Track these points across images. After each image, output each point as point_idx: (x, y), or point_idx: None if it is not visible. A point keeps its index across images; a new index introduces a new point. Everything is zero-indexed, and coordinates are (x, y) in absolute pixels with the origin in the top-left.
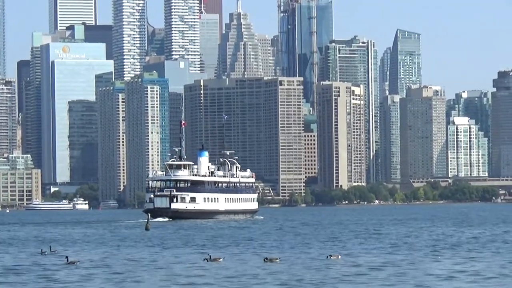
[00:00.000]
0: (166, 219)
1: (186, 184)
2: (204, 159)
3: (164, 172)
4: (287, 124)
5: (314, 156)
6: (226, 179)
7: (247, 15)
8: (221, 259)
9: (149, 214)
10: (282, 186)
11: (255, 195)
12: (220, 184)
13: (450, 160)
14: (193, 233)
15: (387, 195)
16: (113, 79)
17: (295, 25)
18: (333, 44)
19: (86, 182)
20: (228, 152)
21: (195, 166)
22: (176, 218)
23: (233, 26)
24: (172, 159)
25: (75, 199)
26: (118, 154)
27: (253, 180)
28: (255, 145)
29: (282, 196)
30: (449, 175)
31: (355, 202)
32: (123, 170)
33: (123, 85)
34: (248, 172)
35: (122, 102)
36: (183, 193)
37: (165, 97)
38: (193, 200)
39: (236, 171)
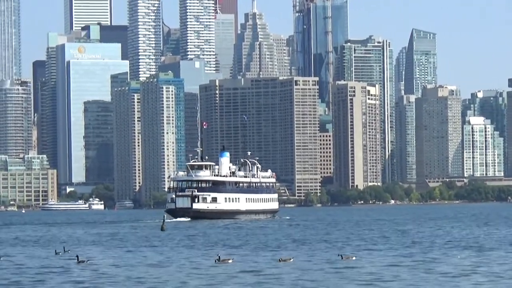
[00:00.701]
0: (188, 219)
1: (207, 184)
2: (225, 160)
3: (186, 173)
4: (302, 124)
5: (330, 156)
6: (247, 180)
7: (262, 15)
8: (230, 260)
9: (165, 215)
10: (297, 186)
11: (276, 195)
12: (241, 184)
13: (466, 160)
14: (211, 233)
15: (402, 195)
16: (129, 79)
17: (311, 25)
18: (349, 44)
19: (101, 182)
20: (249, 153)
21: (216, 167)
22: (198, 218)
23: (248, 26)
24: (194, 160)
25: (90, 199)
26: (134, 154)
27: (273, 180)
28: (270, 145)
29: (297, 196)
30: (465, 175)
31: (370, 202)
32: (139, 170)
33: (139, 85)
34: (269, 173)
35: (137, 102)
36: (205, 193)
37: (180, 97)
38: (214, 200)
39: (257, 171)
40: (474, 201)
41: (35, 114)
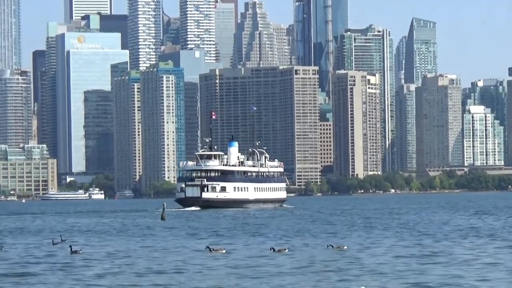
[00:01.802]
0: (198, 208)
1: (216, 174)
2: (234, 149)
3: (195, 162)
4: (302, 113)
5: (330, 145)
6: (256, 169)
7: (262, 4)
8: (223, 250)
9: (165, 204)
10: (298, 175)
11: (284, 185)
12: (249, 174)
13: (466, 149)
14: (212, 222)
15: (403, 184)
16: (129, 69)
17: (311, 14)
18: (349, 33)
19: (101, 172)
20: (257, 143)
21: (225, 156)
22: (207, 207)
23: (248, 15)
24: (203, 150)
25: (90, 189)
26: (134, 144)
27: (281, 169)
28: (270, 134)
29: (298, 185)
30: (465, 164)
31: (370, 191)
32: (139, 160)
33: (139, 75)
34: (276, 162)
35: (137, 91)
36: (214, 183)
37: (180, 86)
38: (223, 189)
39: (265, 161)
40: (474, 190)
41: (35, 104)
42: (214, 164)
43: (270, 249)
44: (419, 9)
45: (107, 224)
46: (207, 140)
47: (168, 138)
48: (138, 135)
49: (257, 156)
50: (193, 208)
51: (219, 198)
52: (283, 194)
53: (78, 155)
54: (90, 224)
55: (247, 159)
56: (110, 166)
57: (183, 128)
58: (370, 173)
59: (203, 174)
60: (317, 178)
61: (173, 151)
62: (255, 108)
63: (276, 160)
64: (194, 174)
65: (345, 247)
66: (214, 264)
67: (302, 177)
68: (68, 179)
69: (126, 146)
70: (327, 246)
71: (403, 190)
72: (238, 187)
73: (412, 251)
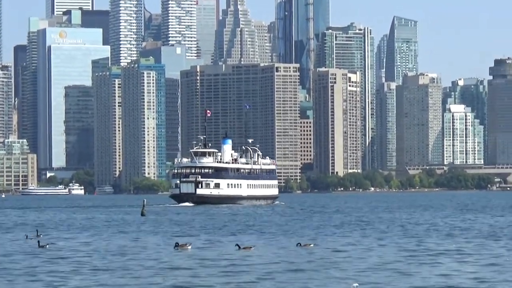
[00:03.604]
0: (192, 204)
1: (210, 171)
2: (227, 147)
3: (190, 159)
4: (283, 110)
5: (310, 143)
6: (249, 166)
7: (244, 1)
8: (189, 246)
9: (145, 200)
10: (277, 173)
11: (276, 182)
12: (242, 171)
13: (446, 148)
14: (191, 219)
15: (382, 182)
16: (110, 65)
17: (292, 11)
18: (330, 30)
19: (81, 167)
20: (250, 140)
21: (219, 154)
22: (201, 203)
23: (230, 12)
24: (197, 147)
25: (70, 184)
26: (114, 139)
27: (273, 167)
28: (251, 131)
29: (277, 182)
30: (445, 163)
31: (350, 189)
32: (119, 155)
33: (120, 71)
34: (268, 160)
35: (118, 87)
36: (208, 179)
37: (161, 82)
38: (217, 186)
39: (258, 158)
40: (454, 188)
41: (16, 99)
42: (208, 161)
43: (236, 245)
44: (400, 8)
45: (87, 219)
46: (201, 138)
47: (148, 134)
48: (119, 131)
49: (250, 154)
50: (187, 204)
51: (213, 194)
52: (275, 191)
53: (58, 150)
54: (70, 219)
55: (241, 157)
56: (90, 162)
57: (164, 124)
58: (350, 171)
59: (198, 170)
60: (297, 176)
61: (154, 147)
62: (248, 106)
63: (268, 157)
64: (188, 171)
65: (312, 245)
66: (167, 260)
67: (282, 174)
68: (48, 174)
69: (107, 141)
70: (297, 244)
71: (382, 188)
72: (231, 184)
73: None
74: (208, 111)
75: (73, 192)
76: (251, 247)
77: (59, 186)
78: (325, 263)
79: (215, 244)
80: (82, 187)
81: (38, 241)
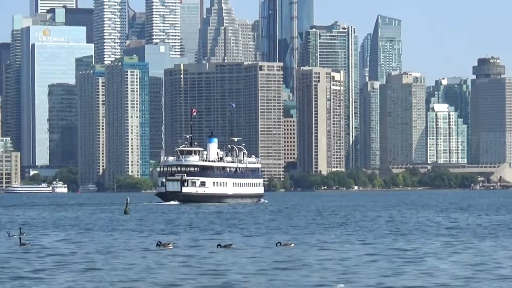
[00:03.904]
0: (178, 202)
1: (196, 169)
2: (213, 145)
3: (176, 158)
4: (266, 109)
5: (294, 142)
6: (234, 165)
7: (228, 0)
8: (171, 245)
9: (128, 198)
10: (261, 171)
11: (261, 180)
12: (228, 169)
13: (429, 147)
14: (174, 218)
15: (366, 181)
16: (93, 63)
17: (276, 10)
18: (314, 29)
19: (65, 165)
20: (236, 139)
21: (205, 152)
22: (187, 202)
23: (214, 10)
24: (183, 145)
25: (54, 182)
26: (98, 137)
27: (259, 166)
28: (234, 130)
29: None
30: (428, 162)
31: (334, 187)
32: (103, 154)
33: (103, 69)
34: (254, 158)
35: (102, 86)
36: (194, 178)
37: (145, 81)
38: (203, 184)
39: (244, 157)
40: (437, 187)
41: None
42: (194, 159)
43: (218, 245)
44: (384, 7)
45: (70, 218)
46: (187, 136)
47: (132, 133)
48: (102, 129)
49: (236, 152)
50: (173, 202)
51: (199, 192)
52: (260, 190)
53: (42, 148)
54: (53, 217)
55: (226, 155)
56: (73, 160)
57: (147, 123)
58: (333, 169)
59: (183, 169)
60: (281, 174)
61: (137, 145)
62: (233, 105)
63: (253, 156)
64: (174, 169)
65: (292, 245)
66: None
67: (265, 173)
68: (32, 172)
69: (90, 140)
70: (276, 244)
71: (366, 187)
72: (217, 182)
73: None
74: (194, 109)
75: (57, 190)
76: (231, 245)
77: (43, 184)
78: (306, 263)
79: (198, 243)
80: (66, 185)
81: (20, 239)
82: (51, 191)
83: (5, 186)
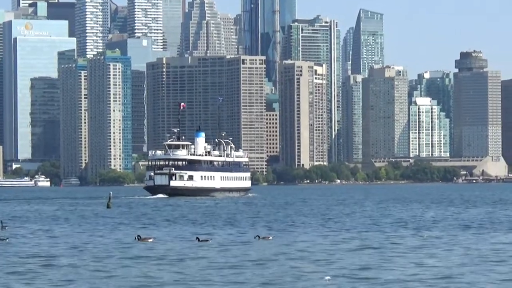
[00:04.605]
0: (166, 196)
1: (184, 163)
2: (200, 140)
3: (164, 152)
4: (249, 103)
5: (276, 135)
6: (222, 159)
7: None
8: (150, 239)
9: (111, 193)
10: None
11: (249, 174)
12: (216, 163)
13: (412, 140)
14: (158, 211)
15: (348, 174)
16: (76, 57)
17: (258, 4)
18: (296, 23)
19: (47, 159)
20: (223, 133)
21: (193, 146)
22: (175, 195)
23: (195, 4)
24: (171, 139)
25: (36, 176)
26: (80, 131)
27: (246, 159)
28: (216, 123)
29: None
30: (411, 155)
31: (316, 181)
32: (85, 147)
33: (86, 63)
34: (241, 152)
35: (84, 79)
36: (182, 172)
37: (127, 75)
38: (190, 178)
39: (231, 151)
40: (419, 181)
41: None
42: (182, 153)
43: (196, 238)
44: (366, 1)
45: (52, 212)
46: (175, 130)
47: (114, 126)
48: (85, 123)
49: (223, 146)
50: (160, 195)
51: (187, 186)
52: (247, 183)
53: (24, 142)
54: (37, 211)
55: (214, 149)
56: (56, 154)
57: (130, 117)
58: (316, 163)
59: (171, 163)
60: (263, 168)
61: (119, 139)
62: (220, 99)
63: (240, 150)
64: (162, 163)
65: (270, 238)
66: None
67: (248, 167)
68: (14, 166)
69: (73, 133)
70: (255, 237)
71: (349, 180)
72: (205, 176)
73: None
74: (182, 104)
75: (39, 184)
76: (208, 240)
77: (25, 178)
78: (287, 256)
79: (177, 237)
80: (48, 179)
81: None
82: (34, 185)
83: None
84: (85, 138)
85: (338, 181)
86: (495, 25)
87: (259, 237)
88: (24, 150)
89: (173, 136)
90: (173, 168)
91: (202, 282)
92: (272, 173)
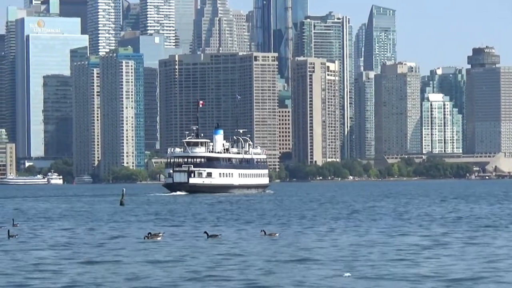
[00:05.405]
0: (184, 193)
1: (202, 160)
2: (219, 137)
3: (182, 149)
4: (261, 99)
5: (289, 132)
6: (240, 156)
7: None
8: (159, 237)
9: (124, 189)
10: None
11: (266, 171)
12: (234, 160)
13: (424, 137)
14: (171, 208)
15: (361, 171)
16: (88, 54)
17: (270, 0)
18: (308, 20)
19: (60, 157)
20: (241, 130)
21: (211, 143)
22: (194, 192)
23: (208, 1)
24: (189, 137)
25: (49, 174)
26: (93, 129)
27: (264, 156)
28: (229, 120)
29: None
30: (423, 152)
31: (329, 178)
32: (98, 145)
33: (98, 60)
34: (259, 149)
35: (97, 77)
36: (200, 169)
37: (140, 72)
38: (209, 175)
39: (249, 148)
40: (432, 177)
41: None
42: (200, 151)
43: (204, 233)
44: None
45: (64, 209)
46: (193, 128)
47: (127, 124)
48: (97, 120)
49: (241, 144)
50: (179, 193)
51: (205, 183)
52: (265, 180)
53: (37, 139)
54: (51, 208)
55: (232, 146)
56: (69, 151)
57: (142, 114)
58: (328, 160)
59: (190, 160)
60: (276, 165)
61: (132, 136)
62: (239, 97)
63: (258, 147)
64: (181, 160)
65: (277, 234)
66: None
67: (266, 164)
68: (27, 163)
69: (85, 131)
70: (261, 232)
71: (361, 177)
72: (223, 173)
73: None
74: (201, 101)
75: (52, 181)
76: (217, 235)
77: (38, 176)
78: (293, 253)
79: (188, 233)
80: (61, 177)
81: (8, 231)
82: (47, 182)
83: (0, 178)
84: (97, 135)
85: (351, 177)
86: (507, 21)
87: (265, 232)
88: (37, 147)
89: (192, 134)
90: (192, 166)
91: None
92: (284, 170)
